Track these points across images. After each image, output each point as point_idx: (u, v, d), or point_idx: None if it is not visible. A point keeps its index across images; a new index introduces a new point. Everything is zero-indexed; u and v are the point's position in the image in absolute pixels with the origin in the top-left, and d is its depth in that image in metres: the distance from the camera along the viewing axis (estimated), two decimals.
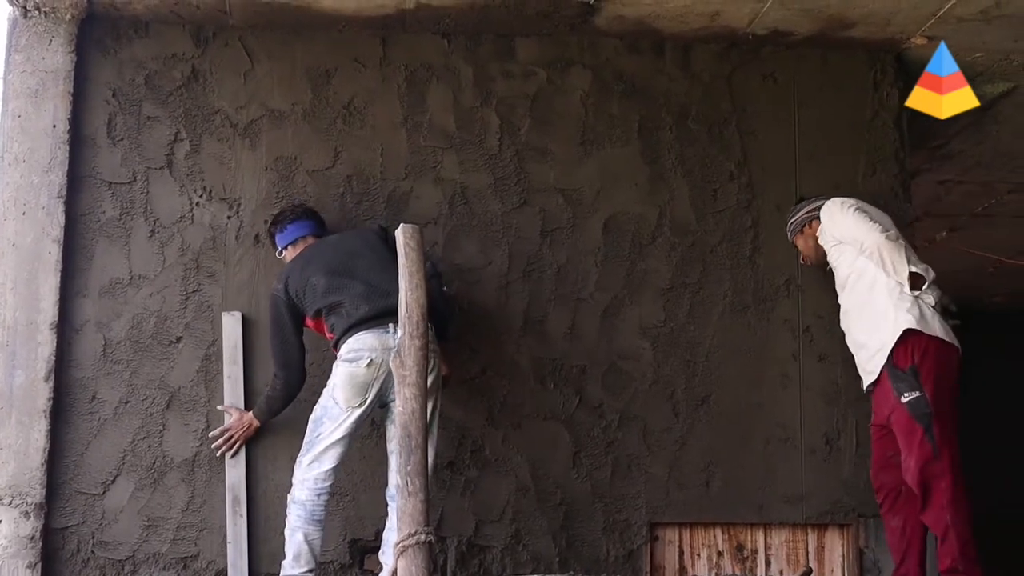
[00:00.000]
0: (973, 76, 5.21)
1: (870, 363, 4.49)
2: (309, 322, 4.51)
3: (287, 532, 4.32)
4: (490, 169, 4.97)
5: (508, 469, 4.80)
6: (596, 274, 4.95)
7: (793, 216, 4.87)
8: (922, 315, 4.34)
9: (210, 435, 4.65)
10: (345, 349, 4.33)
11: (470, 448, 4.78)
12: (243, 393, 4.69)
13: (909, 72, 5.18)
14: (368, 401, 4.31)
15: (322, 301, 4.41)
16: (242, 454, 4.66)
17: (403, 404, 4.19)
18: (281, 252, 4.66)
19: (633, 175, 5.03)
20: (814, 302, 5.01)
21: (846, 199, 4.69)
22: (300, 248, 4.62)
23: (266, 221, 4.77)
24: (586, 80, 5.06)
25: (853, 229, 4.54)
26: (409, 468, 4.15)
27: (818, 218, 4.73)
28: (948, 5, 4.69)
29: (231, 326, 4.72)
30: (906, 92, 5.12)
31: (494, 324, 4.86)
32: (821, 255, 4.77)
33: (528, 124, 5.01)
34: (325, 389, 4.37)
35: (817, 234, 4.74)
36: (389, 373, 4.23)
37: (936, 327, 4.34)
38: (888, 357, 4.36)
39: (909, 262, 4.42)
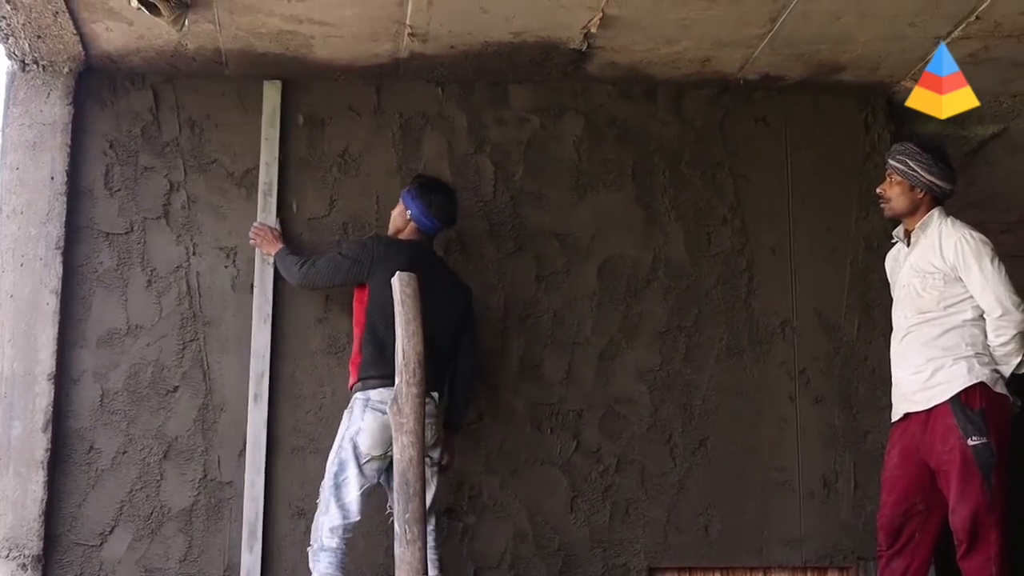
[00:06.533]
0: (964, 118, 5.26)
1: (920, 393, 4.26)
2: (356, 290, 4.56)
3: None
4: (485, 215, 5.00)
5: (506, 515, 4.79)
6: (592, 318, 4.96)
7: (918, 162, 4.35)
8: (995, 382, 4.20)
9: (255, 224, 4.79)
10: (377, 397, 4.32)
11: (468, 494, 4.78)
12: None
13: (900, 115, 5.23)
14: (387, 455, 4.32)
15: (379, 307, 4.38)
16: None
17: (400, 452, 4.19)
18: (406, 210, 4.61)
19: (627, 219, 5.06)
20: (810, 344, 5.03)
21: (987, 241, 4.30)
22: (414, 235, 4.60)
23: (418, 177, 4.72)
24: (579, 126, 5.10)
25: (993, 282, 4.19)
26: (407, 516, 4.14)
27: (932, 190, 4.35)
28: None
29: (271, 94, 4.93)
30: (897, 134, 5.19)
31: (490, 370, 4.87)
32: (903, 211, 4.42)
33: (522, 170, 5.05)
34: (343, 434, 4.36)
35: (918, 196, 4.36)
36: None
37: (1001, 389, 4.23)
38: (956, 394, 4.17)
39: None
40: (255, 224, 4.80)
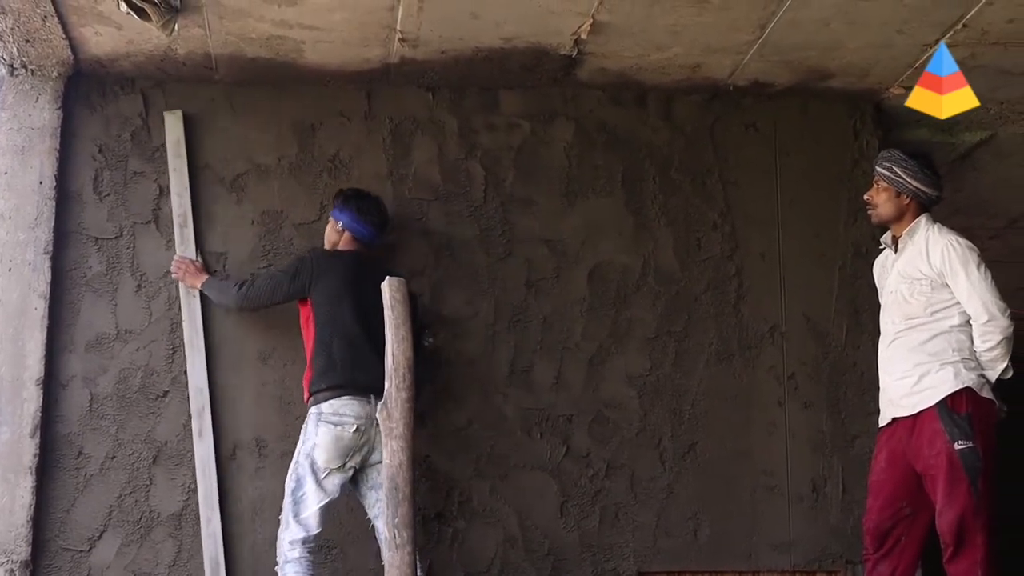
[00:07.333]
0: (952, 125, 5.30)
1: (907, 398, 4.28)
2: (300, 307, 4.57)
3: None
4: (475, 220, 5.00)
5: (496, 520, 4.79)
6: (582, 324, 4.97)
7: (904, 168, 4.37)
8: (981, 387, 4.22)
9: (175, 257, 4.75)
10: (329, 409, 4.33)
11: (457, 499, 4.78)
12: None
13: (888, 121, 5.26)
14: (347, 466, 4.33)
15: (324, 319, 4.41)
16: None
17: (390, 456, 4.21)
18: (337, 223, 4.65)
19: (617, 225, 5.07)
20: (798, 349, 5.05)
21: (974, 248, 4.31)
22: (351, 245, 4.63)
23: (340, 191, 4.73)
24: (569, 131, 5.11)
25: (980, 289, 4.22)
26: (396, 520, 4.16)
27: (918, 196, 4.38)
28: (925, 56, 4.76)
29: (172, 123, 4.86)
30: (885, 140, 5.22)
31: (480, 375, 4.88)
32: (889, 217, 4.43)
33: (512, 175, 5.05)
34: (300, 448, 4.36)
35: (904, 202, 4.38)
36: (369, 440, 4.29)
37: (987, 394, 4.25)
38: (943, 399, 4.19)
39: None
40: (176, 257, 4.76)
